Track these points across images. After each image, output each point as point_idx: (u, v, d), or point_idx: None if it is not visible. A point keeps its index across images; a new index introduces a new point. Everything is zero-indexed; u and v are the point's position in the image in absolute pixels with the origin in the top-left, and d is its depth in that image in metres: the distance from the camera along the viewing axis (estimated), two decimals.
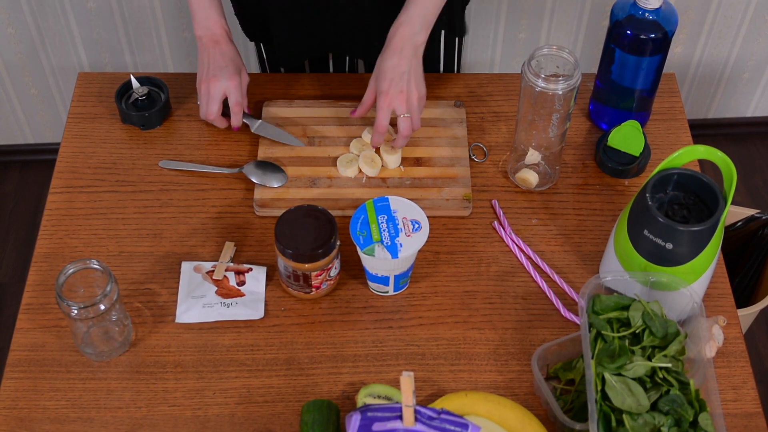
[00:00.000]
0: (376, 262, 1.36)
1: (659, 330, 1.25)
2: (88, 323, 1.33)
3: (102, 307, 1.29)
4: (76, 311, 1.28)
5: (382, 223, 1.37)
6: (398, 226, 1.37)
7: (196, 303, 1.42)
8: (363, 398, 1.30)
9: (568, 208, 1.55)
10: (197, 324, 1.40)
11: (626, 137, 1.56)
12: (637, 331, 1.27)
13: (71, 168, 1.59)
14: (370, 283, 1.43)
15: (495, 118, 1.66)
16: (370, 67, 1.79)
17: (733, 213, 2.18)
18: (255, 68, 2.42)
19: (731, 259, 2.16)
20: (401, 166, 1.57)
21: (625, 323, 1.27)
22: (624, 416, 1.19)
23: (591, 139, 1.65)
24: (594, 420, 1.18)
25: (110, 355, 1.37)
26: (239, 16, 1.74)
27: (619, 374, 1.22)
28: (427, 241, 1.42)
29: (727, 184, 1.32)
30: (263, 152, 1.59)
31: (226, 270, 1.45)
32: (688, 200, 1.35)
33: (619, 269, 1.39)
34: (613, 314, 1.28)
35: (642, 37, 1.50)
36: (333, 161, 1.58)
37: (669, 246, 1.31)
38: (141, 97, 1.63)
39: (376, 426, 1.14)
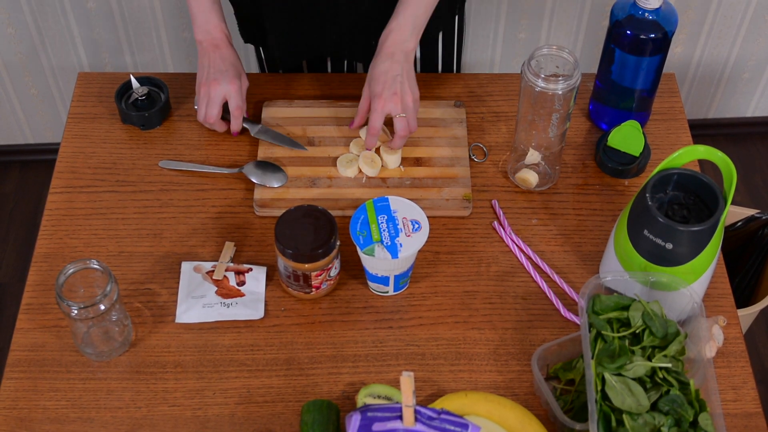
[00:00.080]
0: (376, 262, 1.36)
1: (659, 330, 1.25)
2: (88, 323, 1.33)
3: (102, 307, 1.29)
4: (76, 311, 1.28)
5: (382, 223, 1.37)
6: (398, 226, 1.37)
7: (196, 303, 1.42)
8: (363, 398, 1.30)
9: (568, 208, 1.55)
10: (197, 324, 1.40)
11: (626, 137, 1.56)
12: (637, 331, 1.27)
13: (71, 168, 1.59)
14: (370, 283, 1.43)
15: (495, 118, 1.66)
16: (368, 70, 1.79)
17: (733, 213, 2.18)
18: (254, 69, 2.42)
19: (731, 259, 2.16)
20: (401, 166, 1.57)
21: (625, 323, 1.27)
22: (624, 416, 1.19)
23: (591, 139, 1.65)
24: (594, 420, 1.18)
25: (110, 355, 1.37)
26: (236, 17, 1.74)
27: (619, 374, 1.22)
28: (427, 241, 1.42)
29: (727, 184, 1.32)
30: (263, 152, 1.59)
31: (226, 270, 1.45)
32: (688, 200, 1.35)
33: (619, 269, 1.39)
34: (613, 314, 1.28)
35: (642, 37, 1.50)
36: (333, 161, 1.58)
37: (669, 246, 1.31)
38: (141, 97, 1.63)
39: (376, 426, 1.14)
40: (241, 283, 1.44)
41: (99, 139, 1.63)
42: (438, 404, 1.29)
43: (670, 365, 1.23)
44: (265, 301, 1.43)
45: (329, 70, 1.84)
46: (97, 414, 1.32)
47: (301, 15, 1.64)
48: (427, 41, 1.73)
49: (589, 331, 1.26)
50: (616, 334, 1.25)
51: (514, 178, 1.57)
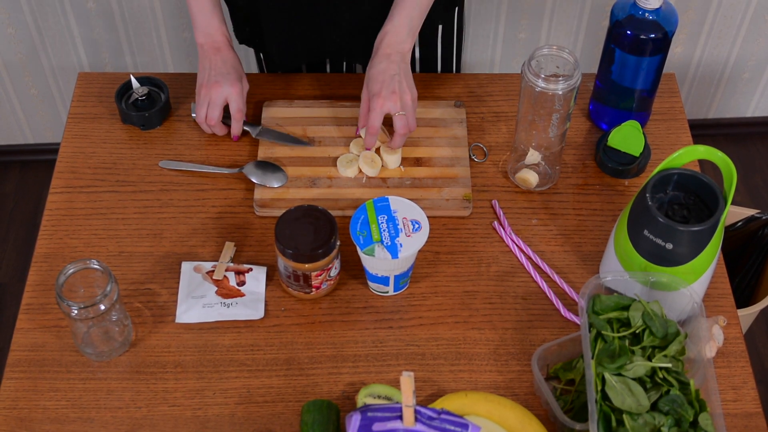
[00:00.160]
0: (376, 262, 1.36)
1: (659, 330, 1.25)
2: (88, 323, 1.33)
3: (102, 307, 1.29)
4: (76, 311, 1.28)
5: (382, 223, 1.37)
6: (398, 226, 1.37)
7: (196, 303, 1.42)
8: (363, 398, 1.30)
9: (568, 208, 1.55)
10: (197, 324, 1.40)
11: (626, 137, 1.56)
12: (637, 331, 1.27)
13: (71, 168, 1.59)
14: (370, 283, 1.43)
15: (495, 118, 1.66)
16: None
17: (733, 213, 2.18)
18: (254, 69, 2.42)
19: (731, 259, 2.16)
20: (401, 166, 1.57)
21: (625, 323, 1.27)
22: (624, 416, 1.19)
23: (591, 139, 1.65)
24: (594, 420, 1.18)
25: (110, 355, 1.37)
26: (232, 20, 1.73)
27: (619, 374, 1.22)
28: (427, 241, 1.42)
29: (727, 184, 1.32)
30: (263, 152, 1.59)
31: (226, 270, 1.45)
32: (688, 200, 1.35)
33: (619, 269, 1.39)
34: (613, 314, 1.28)
35: (642, 37, 1.50)
36: (333, 161, 1.58)
37: (669, 246, 1.31)
38: (141, 97, 1.63)
39: (376, 426, 1.14)
40: (241, 283, 1.44)
41: (99, 139, 1.63)
42: (438, 404, 1.29)
43: (670, 365, 1.23)
44: (265, 301, 1.43)
45: (328, 71, 1.84)
46: (97, 414, 1.32)
47: (300, 18, 1.64)
48: (426, 41, 1.73)
49: (589, 331, 1.26)
50: (616, 334, 1.25)
51: (514, 178, 1.57)
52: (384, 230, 1.36)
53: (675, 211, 1.34)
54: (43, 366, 1.36)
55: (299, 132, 1.62)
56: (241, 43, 1.75)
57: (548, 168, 1.56)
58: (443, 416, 1.15)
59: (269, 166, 1.56)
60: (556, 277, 1.46)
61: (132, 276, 1.45)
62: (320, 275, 1.38)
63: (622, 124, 1.57)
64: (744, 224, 2.17)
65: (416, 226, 1.37)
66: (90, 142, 1.62)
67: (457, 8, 1.72)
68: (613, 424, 1.19)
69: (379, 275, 1.39)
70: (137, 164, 1.59)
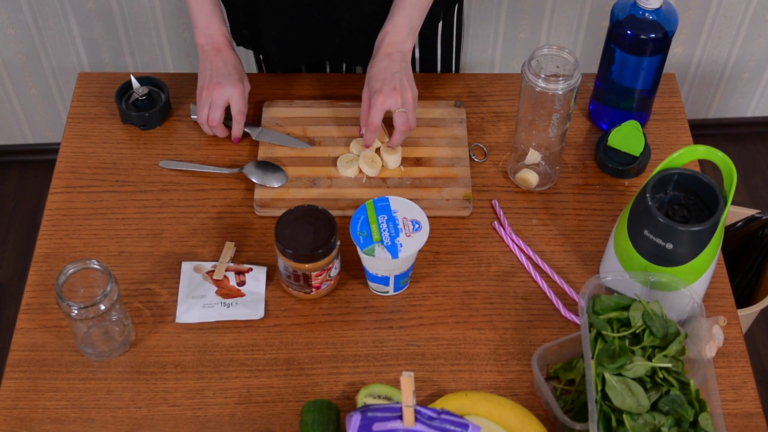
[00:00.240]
0: (376, 262, 1.36)
1: (659, 330, 1.25)
2: (88, 323, 1.33)
3: (102, 307, 1.29)
4: (76, 311, 1.28)
5: (383, 223, 1.37)
6: (398, 226, 1.37)
7: (197, 303, 1.42)
8: (363, 398, 1.30)
9: (568, 208, 1.55)
10: (197, 324, 1.40)
11: (626, 137, 1.56)
12: (637, 331, 1.27)
13: (71, 168, 1.59)
14: (370, 283, 1.43)
15: (495, 118, 1.66)
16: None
17: (733, 213, 2.18)
18: (254, 69, 2.42)
19: (731, 259, 2.16)
20: (401, 166, 1.57)
21: (625, 323, 1.27)
22: (624, 416, 1.19)
23: (591, 139, 1.65)
24: (594, 420, 1.18)
25: (110, 355, 1.37)
26: (230, 22, 1.72)
27: (619, 374, 1.22)
28: (427, 241, 1.42)
29: (727, 184, 1.32)
30: (263, 152, 1.59)
31: (227, 270, 1.45)
32: (688, 200, 1.35)
33: (619, 269, 1.39)
34: (613, 314, 1.28)
35: (642, 37, 1.50)
36: (333, 161, 1.58)
37: (669, 246, 1.31)
38: (141, 97, 1.63)
39: (376, 426, 1.14)
40: (242, 283, 1.44)
41: (99, 139, 1.63)
42: (438, 404, 1.29)
43: (670, 365, 1.23)
44: (265, 301, 1.43)
45: (328, 72, 1.84)
46: (97, 414, 1.32)
47: (299, 19, 1.64)
48: (426, 41, 1.73)
49: (590, 331, 1.26)
50: (616, 334, 1.25)
51: (515, 178, 1.57)
52: (384, 230, 1.36)
53: (675, 211, 1.34)
54: (43, 366, 1.36)
55: (299, 132, 1.62)
56: (238, 45, 1.75)
57: (548, 168, 1.56)
58: (443, 416, 1.15)
59: (269, 166, 1.56)
60: (556, 277, 1.46)
61: (132, 276, 1.45)
62: (320, 275, 1.38)
63: (622, 124, 1.57)
64: (744, 224, 2.17)
65: (416, 226, 1.37)
66: (90, 142, 1.62)
67: (456, 8, 1.72)
68: (613, 424, 1.19)
69: (379, 275, 1.39)
70: (137, 164, 1.59)
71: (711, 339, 1.30)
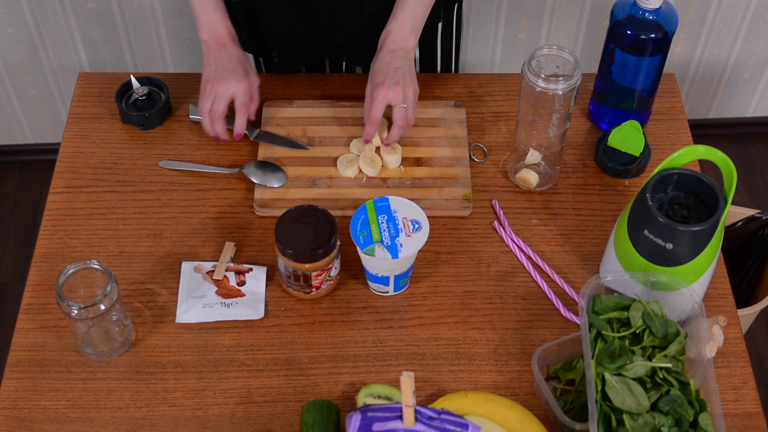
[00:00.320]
0: (376, 262, 1.36)
1: (659, 330, 1.25)
2: (88, 323, 1.33)
3: (102, 307, 1.29)
4: (76, 311, 1.28)
5: (383, 223, 1.37)
6: (398, 226, 1.37)
7: (197, 303, 1.42)
8: (363, 398, 1.30)
9: (568, 208, 1.55)
10: (197, 324, 1.40)
11: (626, 137, 1.56)
12: (637, 331, 1.27)
13: (71, 168, 1.59)
14: (370, 283, 1.43)
15: (495, 118, 1.66)
16: (367, 71, 1.79)
17: (733, 213, 2.18)
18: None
19: (731, 259, 2.16)
20: (401, 166, 1.57)
21: (626, 323, 1.27)
22: (624, 416, 1.19)
23: (591, 139, 1.65)
24: (594, 420, 1.18)
25: (110, 355, 1.37)
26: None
27: (620, 374, 1.22)
28: (427, 241, 1.42)
29: (727, 184, 1.32)
30: (263, 152, 1.59)
31: (227, 270, 1.45)
32: (688, 200, 1.35)
33: (620, 269, 1.39)
34: (613, 314, 1.28)
35: (642, 37, 1.50)
36: (333, 161, 1.58)
37: (669, 246, 1.31)
38: (141, 97, 1.63)
39: (377, 426, 1.14)
40: (242, 283, 1.44)
41: (99, 139, 1.63)
42: (438, 404, 1.29)
43: (670, 365, 1.23)
44: (265, 301, 1.43)
45: (328, 71, 1.84)
46: (97, 414, 1.32)
47: (300, 20, 1.64)
48: (426, 41, 1.73)
49: (590, 331, 1.26)
50: (616, 334, 1.25)
51: (515, 178, 1.57)
52: (384, 230, 1.36)
53: (675, 211, 1.34)
54: (43, 366, 1.36)
55: (299, 132, 1.62)
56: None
57: (548, 168, 1.56)
58: (443, 416, 1.15)
59: (269, 166, 1.56)
60: (556, 277, 1.46)
61: (132, 276, 1.45)
62: (320, 275, 1.38)
63: (622, 124, 1.57)
64: (744, 224, 2.17)
65: (416, 226, 1.37)
66: (90, 142, 1.62)
67: (456, 8, 1.72)
68: (613, 424, 1.19)
69: (379, 275, 1.39)
70: (137, 164, 1.59)
71: (711, 339, 1.30)
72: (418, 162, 1.58)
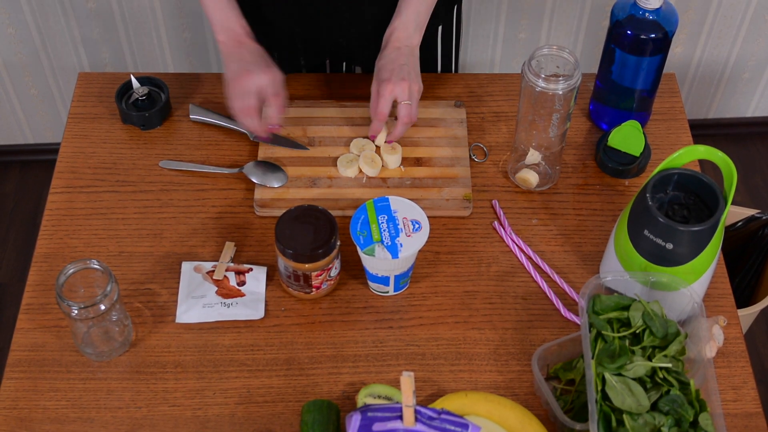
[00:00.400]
0: (377, 262, 1.36)
1: (659, 330, 1.25)
2: (88, 323, 1.33)
3: (102, 307, 1.29)
4: (76, 311, 1.28)
5: (383, 223, 1.37)
6: (398, 226, 1.37)
7: (197, 303, 1.42)
8: (363, 398, 1.30)
9: (568, 208, 1.55)
10: (197, 324, 1.40)
11: (626, 137, 1.56)
12: (637, 331, 1.27)
13: (71, 168, 1.59)
14: (371, 283, 1.43)
15: (495, 118, 1.66)
16: (367, 71, 1.79)
17: (734, 213, 2.18)
18: None
19: (731, 259, 2.16)
20: (401, 166, 1.57)
21: (626, 323, 1.27)
22: (624, 416, 1.19)
23: (591, 139, 1.65)
24: (594, 420, 1.18)
25: (110, 355, 1.37)
26: None
27: (620, 374, 1.22)
28: (427, 241, 1.41)
29: (728, 184, 1.32)
30: (263, 152, 1.59)
31: (227, 270, 1.45)
32: (689, 200, 1.35)
33: (620, 269, 1.39)
34: (613, 314, 1.28)
35: (642, 37, 1.50)
36: (333, 161, 1.58)
37: (669, 246, 1.31)
38: (141, 97, 1.63)
39: (377, 426, 1.14)
40: (242, 283, 1.44)
41: (99, 139, 1.63)
42: (438, 404, 1.29)
43: (670, 365, 1.23)
44: (266, 301, 1.43)
45: (328, 71, 1.84)
46: (97, 414, 1.32)
47: (301, 22, 1.64)
48: (426, 42, 1.73)
49: (590, 331, 1.26)
50: (616, 334, 1.25)
51: (515, 178, 1.57)
52: (384, 230, 1.36)
53: (675, 211, 1.34)
54: (43, 366, 1.36)
55: (299, 132, 1.62)
56: None
57: (548, 168, 1.57)
58: (443, 416, 1.15)
59: (269, 166, 1.56)
60: (556, 277, 1.46)
61: (132, 276, 1.45)
62: (320, 275, 1.38)
63: (623, 124, 1.57)
64: (744, 224, 2.17)
65: (416, 226, 1.37)
66: (90, 142, 1.62)
67: (456, 8, 1.73)
68: (613, 424, 1.19)
69: (379, 275, 1.39)
70: (137, 164, 1.59)
71: (711, 339, 1.30)
72: (418, 162, 1.58)
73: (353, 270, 1.45)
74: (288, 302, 1.43)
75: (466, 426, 1.14)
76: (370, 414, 1.15)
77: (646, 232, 1.32)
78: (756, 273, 2.20)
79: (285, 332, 1.40)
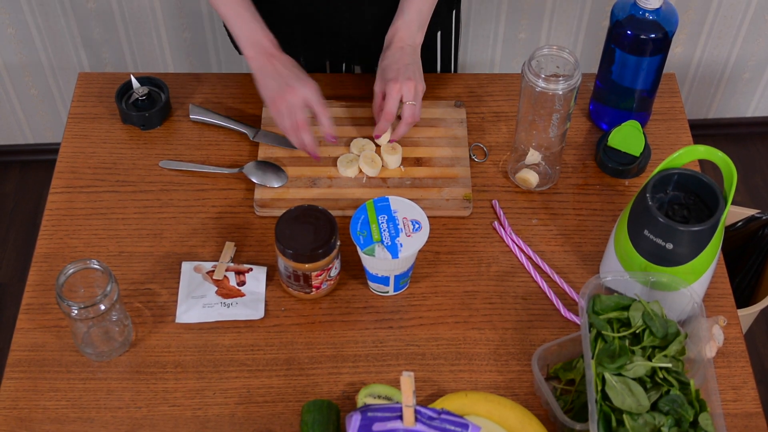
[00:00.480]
0: (377, 262, 1.36)
1: (659, 330, 1.25)
2: (88, 323, 1.33)
3: (102, 307, 1.29)
4: (76, 311, 1.28)
5: (383, 223, 1.37)
6: (398, 226, 1.37)
7: (197, 303, 1.42)
8: (363, 398, 1.30)
9: (568, 208, 1.55)
10: (197, 324, 1.40)
11: (626, 137, 1.56)
12: (637, 331, 1.27)
13: (71, 168, 1.59)
14: (371, 283, 1.43)
15: (495, 118, 1.66)
16: (366, 70, 1.79)
17: (734, 213, 2.18)
18: None
19: (731, 259, 2.16)
20: (401, 166, 1.57)
21: (626, 323, 1.27)
22: (624, 416, 1.19)
23: (591, 139, 1.65)
24: (594, 420, 1.18)
25: (110, 355, 1.37)
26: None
27: (620, 374, 1.22)
28: (427, 241, 1.41)
29: (728, 184, 1.32)
30: (263, 152, 1.59)
31: (227, 270, 1.45)
32: (689, 200, 1.35)
33: (620, 269, 1.39)
34: (613, 314, 1.28)
35: (642, 37, 1.50)
36: (333, 161, 1.58)
37: (669, 246, 1.31)
38: (141, 97, 1.63)
39: (377, 426, 1.14)
40: (242, 283, 1.44)
41: (99, 139, 1.63)
42: (438, 404, 1.29)
43: (670, 365, 1.23)
44: (266, 301, 1.43)
45: (328, 71, 1.84)
46: (97, 414, 1.32)
47: (301, 23, 1.64)
48: (425, 41, 1.73)
49: (590, 331, 1.26)
50: (616, 334, 1.25)
51: (515, 178, 1.57)
52: (384, 230, 1.36)
53: (675, 211, 1.34)
54: (43, 366, 1.36)
55: None
56: (242, 54, 1.72)
57: (548, 168, 1.57)
58: (443, 416, 1.15)
59: (269, 166, 1.56)
60: (556, 277, 1.46)
61: (132, 276, 1.45)
62: (320, 275, 1.38)
63: (623, 124, 1.57)
64: (744, 224, 2.17)
65: (416, 226, 1.37)
66: (90, 142, 1.62)
67: (454, 11, 1.73)
68: (613, 424, 1.19)
69: (379, 275, 1.39)
70: (137, 164, 1.59)
71: (711, 339, 1.30)
72: (418, 162, 1.58)
73: (353, 270, 1.45)
74: (288, 302, 1.43)
75: (466, 426, 1.14)
76: (370, 414, 1.15)
77: (646, 232, 1.32)
78: (756, 273, 2.20)
79: (285, 332, 1.40)
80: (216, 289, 1.43)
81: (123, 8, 2.35)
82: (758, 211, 2.17)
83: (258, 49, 1.50)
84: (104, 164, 1.59)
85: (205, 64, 2.52)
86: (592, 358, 1.24)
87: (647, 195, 1.32)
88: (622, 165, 1.56)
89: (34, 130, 2.67)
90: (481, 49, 2.53)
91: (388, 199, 1.40)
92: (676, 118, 1.67)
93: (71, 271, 1.31)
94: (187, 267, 1.46)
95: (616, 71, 1.56)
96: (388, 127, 1.54)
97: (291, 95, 1.47)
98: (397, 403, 1.20)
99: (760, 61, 2.62)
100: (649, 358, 1.25)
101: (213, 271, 1.45)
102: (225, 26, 1.66)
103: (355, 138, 1.60)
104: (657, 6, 1.48)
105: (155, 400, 1.33)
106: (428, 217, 1.42)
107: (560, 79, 1.42)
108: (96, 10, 2.35)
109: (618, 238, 1.38)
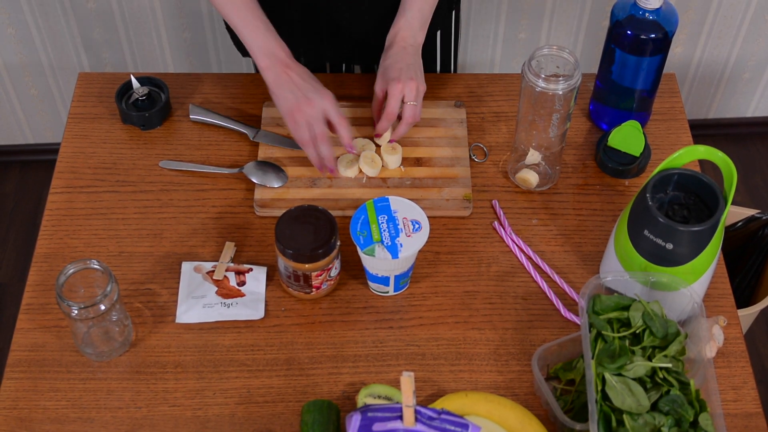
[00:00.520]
0: (377, 262, 1.36)
1: (659, 330, 1.25)
2: (89, 323, 1.33)
3: (102, 307, 1.29)
4: (76, 311, 1.28)
5: (383, 223, 1.37)
6: (398, 226, 1.37)
7: (197, 303, 1.42)
8: (363, 398, 1.30)
9: (568, 209, 1.55)
10: (197, 324, 1.40)
11: (626, 137, 1.56)
12: (637, 331, 1.27)
13: (71, 168, 1.59)
14: (371, 284, 1.43)
15: (495, 118, 1.66)
16: (366, 70, 1.79)
17: (734, 213, 2.18)
18: (254, 70, 2.42)
19: (731, 259, 2.16)
20: (401, 167, 1.57)
21: (626, 323, 1.27)
22: (624, 416, 1.19)
23: (591, 139, 1.65)
24: (594, 420, 1.18)
25: (110, 355, 1.37)
26: (229, 30, 1.67)
27: (620, 374, 1.22)
28: (427, 242, 1.41)
29: (728, 184, 1.32)
30: (263, 152, 1.59)
31: (227, 270, 1.45)
32: (689, 200, 1.35)
33: (620, 269, 1.39)
34: (613, 314, 1.28)
35: (642, 37, 1.50)
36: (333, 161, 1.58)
37: (669, 246, 1.31)
38: (141, 97, 1.63)
39: (377, 426, 1.14)
40: (242, 283, 1.44)
41: (99, 139, 1.63)
42: (438, 404, 1.29)
43: (670, 365, 1.23)
44: (266, 301, 1.43)
45: (328, 70, 1.84)
46: (97, 414, 1.32)
47: (301, 23, 1.64)
48: (425, 45, 1.73)
49: (590, 331, 1.26)
50: (616, 334, 1.25)
51: (515, 178, 1.57)
52: (384, 230, 1.36)
53: (675, 211, 1.34)
54: (43, 366, 1.36)
55: None
56: (245, 56, 1.71)
57: (548, 168, 1.57)
58: (443, 416, 1.15)
59: (269, 166, 1.56)
60: (556, 277, 1.46)
61: (132, 276, 1.45)
62: (320, 275, 1.38)
63: (623, 124, 1.57)
64: (744, 224, 2.17)
65: (416, 226, 1.37)
66: (90, 142, 1.62)
67: (453, 12, 1.73)
68: (613, 424, 1.19)
69: (380, 275, 1.39)
70: (137, 164, 1.59)
71: (711, 339, 1.30)
72: (418, 162, 1.58)
73: (353, 270, 1.45)
74: (288, 302, 1.43)
75: (466, 426, 1.14)
76: (370, 414, 1.15)
77: (646, 232, 1.32)
78: (756, 273, 2.20)
79: (285, 332, 1.40)
80: (216, 289, 1.43)
81: (123, 8, 2.35)
82: (758, 211, 2.17)
83: (273, 60, 1.49)
84: (104, 164, 1.59)
85: (205, 64, 2.52)
86: (592, 358, 1.24)
87: (647, 195, 1.32)
88: (622, 165, 1.56)
89: (34, 130, 2.67)
90: (481, 49, 2.53)
91: (388, 199, 1.40)
92: (676, 118, 1.67)
93: (71, 271, 1.31)
94: (187, 267, 1.46)
95: (616, 71, 1.56)
96: (389, 127, 1.54)
97: (309, 107, 1.46)
98: (397, 403, 1.20)
99: (760, 61, 2.62)
100: (649, 358, 1.25)
101: (213, 271, 1.45)
102: (227, 27, 1.66)
103: (356, 138, 1.60)
104: (657, 6, 1.48)
105: (155, 400, 1.33)
106: (428, 217, 1.42)
107: (560, 79, 1.42)
108: (96, 10, 2.35)
109: (618, 238, 1.38)
